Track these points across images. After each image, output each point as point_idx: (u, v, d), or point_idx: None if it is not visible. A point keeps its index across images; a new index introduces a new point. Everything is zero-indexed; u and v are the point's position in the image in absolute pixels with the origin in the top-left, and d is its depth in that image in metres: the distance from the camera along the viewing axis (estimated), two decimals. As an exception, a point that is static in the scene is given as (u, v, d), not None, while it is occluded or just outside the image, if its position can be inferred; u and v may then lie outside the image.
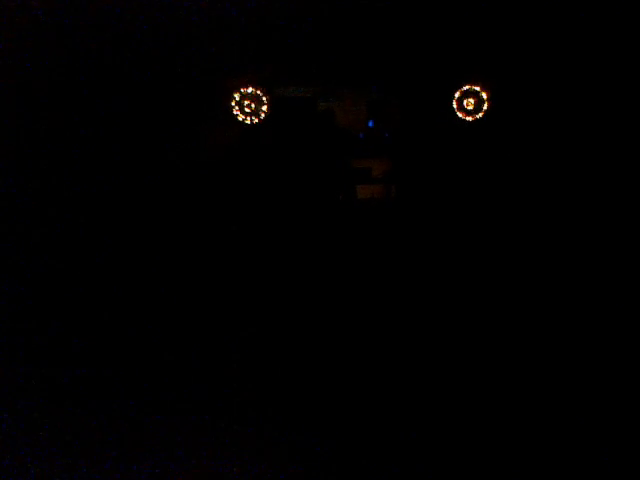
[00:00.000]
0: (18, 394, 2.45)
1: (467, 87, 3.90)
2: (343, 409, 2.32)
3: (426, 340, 2.87)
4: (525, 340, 2.78)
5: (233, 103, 3.70)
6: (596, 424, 2.16)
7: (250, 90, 3.70)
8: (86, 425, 2.25)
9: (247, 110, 3.73)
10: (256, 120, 3.78)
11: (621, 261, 3.16)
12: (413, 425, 2.21)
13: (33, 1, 2.76)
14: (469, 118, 3.94)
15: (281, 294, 3.35)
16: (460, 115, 3.94)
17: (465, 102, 3.92)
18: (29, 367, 2.63)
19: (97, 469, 1.99)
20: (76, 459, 2.03)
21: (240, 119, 3.76)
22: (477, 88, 3.89)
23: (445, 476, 1.95)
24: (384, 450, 2.06)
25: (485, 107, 3.89)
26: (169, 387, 2.51)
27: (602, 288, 3.07)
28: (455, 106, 3.94)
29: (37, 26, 2.85)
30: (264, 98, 3.73)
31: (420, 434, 2.16)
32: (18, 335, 2.83)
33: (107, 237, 3.30)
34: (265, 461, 2.00)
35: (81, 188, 3.27)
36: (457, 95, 3.92)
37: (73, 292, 3.10)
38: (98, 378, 2.59)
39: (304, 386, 2.51)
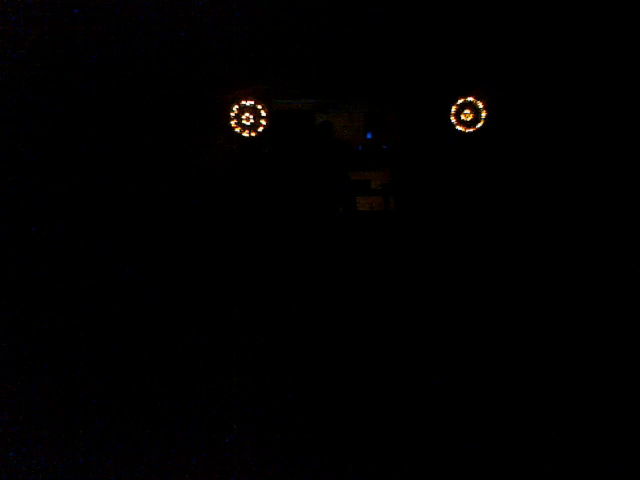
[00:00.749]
0: (18, 396, 2.43)
1: (465, 99, 3.92)
2: (344, 412, 2.31)
3: (426, 350, 2.87)
4: (523, 357, 2.77)
5: (232, 115, 3.70)
6: (596, 424, 2.16)
7: (248, 103, 3.71)
8: (85, 424, 2.24)
9: (245, 123, 3.73)
10: (254, 133, 3.78)
11: (620, 278, 3.15)
12: (413, 426, 2.21)
13: (31, 5, 2.76)
14: (467, 129, 3.96)
15: (282, 304, 3.33)
16: (458, 127, 3.96)
17: (463, 114, 3.94)
18: (29, 368, 2.61)
19: (97, 469, 1.98)
20: (76, 459, 2.02)
21: (238, 132, 3.76)
22: (475, 100, 3.91)
23: (446, 476, 1.94)
24: (384, 450, 2.06)
25: (483, 118, 3.91)
26: (169, 388, 2.50)
27: (602, 307, 3.06)
28: (453, 118, 3.96)
29: (33, 35, 2.86)
30: (262, 111, 3.74)
31: (420, 435, 2.15)
32: (16, 336, 2.81)
33: (106, 248, 3.28)
34: (265, 462, 1.99)
35: (78, 199, 3.26)
36: (455, 107, 3.94)
37: (74, 297, 3.08)
38: (98, 379, 2.58)
39: (306, 390, 2.51)
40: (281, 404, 2.36)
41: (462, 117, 3.94)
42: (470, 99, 3.89)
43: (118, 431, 2.18)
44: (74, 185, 3.22)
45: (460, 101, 3.91)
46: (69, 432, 2.18)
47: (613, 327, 2.83)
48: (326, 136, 4.11)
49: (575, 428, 2.15)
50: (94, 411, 2.31)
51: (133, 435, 2.16)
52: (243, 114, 3.71)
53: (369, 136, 4.34)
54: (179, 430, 2.17)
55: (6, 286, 2.90)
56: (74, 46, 3.04)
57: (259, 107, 3.72)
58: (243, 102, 3.69)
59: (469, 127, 3.94)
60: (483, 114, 3.88)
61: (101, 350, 2.78)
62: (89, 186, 3.26)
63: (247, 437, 2.12)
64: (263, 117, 3.75)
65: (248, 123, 3.73)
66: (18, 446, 2.08)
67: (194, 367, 2.66)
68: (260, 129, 3.77)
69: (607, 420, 2.17)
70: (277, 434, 2.14)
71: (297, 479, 1.94)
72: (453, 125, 3.94)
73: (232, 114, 3.70)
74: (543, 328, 2.98)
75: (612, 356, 2.62)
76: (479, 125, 3.92)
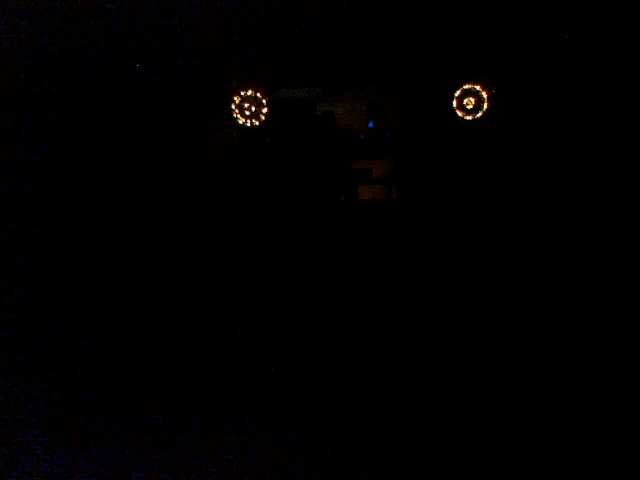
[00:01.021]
0: (19, 395, 2.46)
1: (467, 86, 3.89)
2: (345, 410, 2.32)
3: (428, 341, 2.87)
4: (526, 342, 2.77)
5: (233, 106, 3.71)
6: (596, 424, 2.15)
7: (250, 93, 3.71)
8: (85, 424, 2.25)
9: (247, 113, 3.74)
10: (256, 122, 3.79)
11: (621, 262, 3.14)
12: (413, 425, 2.21)
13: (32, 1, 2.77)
14: (469, 117, 3.93)
15: (284, 295, 3.35)
16: (460, 114, 3.93)
17: (465, 101, 3.91)
18: (28, 369, 2.64)
19: (97, 469, 2.00)
20: (76, 459, 2.04)
21: (240, 122, 3.78)
22: (477, 87, 3.88)
23: (446, 477, 1.94)
24: (385, 450, 2.06)
25: (485, 106, 3.88)
26: (169, 387, 2.52)
27: (602, 289, 3.05)
28: (455, 106, 3.93)
29: (34, 29, 2.87)
30: (264, 100, 3.74)
31: (420, 435, 2.15)
32: (17, 336, 2.85)
33: (106, 241, 3.32)
34: (265, 461, 2.00)
35: (79, 190, 3.29)
36: (457, 95, 3.91)
37: (74, 293, 3.12)
38: (97, 377, 2.60)
39: (306, 386, 2.51)
40: (281, 404, 2.37)
41: (464, 105, 3.91)
42: (471, 87, 3.86)
43: (118, 432, 2.19)
44: (76, 171, 3.25)
45: (462, 89, 3.89)
46: (68, 432, 2.19)
47: (613, 325, 2.82)
48: (328, 125, 4.10)
49: (575, 428, 2.15)
50: (94, 412, 2.31)
51: (133, 435, 2.17)
52: (244, 104, 3.72)
53: (371, 125, 4.32)
54: (179, 431, 2.17)
55: (6, 286, 2.94)
56: (75, 40, 3.05)
57: (260, 97, 3.73)
58: (244, 92, 3.70)
59: (471, 114, 3.92)
60: (485, 101, 3.86)
61: (101, 351, 2.80)
62: (87, 177, 3.29)
63: (247, 438, 2.12)
64: (264, 107, 3.75)
65: (249, 113, 3.74)
66: (17, 446, 2.10)
67: (194, 367, 2.67)
68: (262, 118, 3.78)
69: (607, 420, 2.17)
70: (277, 435, 2.15)
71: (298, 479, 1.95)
72: (455, 113, 3.92)
73: (233, 104, 3.71)
74: (543, 314, 2.98)
75: (612, 356, 2.61)
76: (481, 113, 3.89)
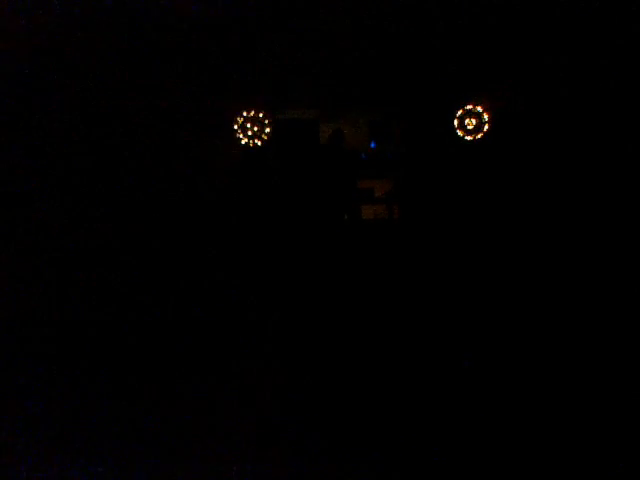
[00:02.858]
0: (18, 393, 2.48)
1: (468, 107, 3.94)
2: (346, 412, 2.32)
3: (427, 352, 2.86)
4: (525, 362, 2.74)
5: (236, 126, 3.79)
6: (596, 424, 2.12)
7: (253, 113, 3.79)
8: (85, 423, 2.26)
9: (250, 133, 3.81)
10: (259, 142, 3.85)
11: (620, 288, 3.10)
12: (414, 427, 2.20)
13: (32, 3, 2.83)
14: (470, 138, 3.97)
15: (288, 310, 3.36)
16: (461, 135, 3.97)
17: (466, 122, 3.95)
18: (28, 370, 2.66)
19: (97, 469, 2.00)
20: (75, 459, 2.04)
21: (243, 142, 3.84)
22: (478, 108, 3.92)
23: (445, 477, 1.93)
24: (385, 451, 2.05)
25: (486, 127, 3.92)
26: (169, 386, 2.53)
27: (603, 318, 3.01)
28: (456, 126, 3.97)
29: (35, 37, 2.94)
30: (267, 121, 3.81)
31: (420, 435, 2.14)
32: (19, 334, 2.87)
33: (113, 261, 3.37)
34: (265, 461, 1.99)
35: (85, 208, 3.36)
36: (458, 115, 3.96)
37: (79, 296, 3.16)
38: (98, 375, 2.61)
39: (309, 393, 2.52)
40: (282, 406, 2.37)
41: (465, 125, 3.95)
42: (472, 107, 3.91)
43: (118, 432, 2.20)
44: (82, 191, 3.33)
45: (463, 109, 3.94)
46: (68, 433, 2.21)
47: (614, 331, 2.78)
48: (338, 144, 4.11)
49: (575, 428, 2.12)
50: (92, 409, 2.33)
51: (133, 436, 2.18)
52: (247, 124, 3.79)
53: (373, 145, 4.38)
54: (179, 431, 2.18)
55: (8, 286, 2.99)
56: (85, 65, 3.17)
57: (263, 117, 3.80)
58: (247, 112, 3.78)
59: (472, 135, 3.96)
60: (486, 121, 3.90)
61: (102, 351, 2.82)
62: (92, 194, 3.36)
63: (248, 439, 2.12)
64: (267, 127, 3.82)
65: (252, 133, 3.80)
66: (16, 447, 2.12)
67: (195, 368, 2.68)
68: (264, 138, 3.84)
69: (607, 420, 2.14)
70: (278, 436, 2.15)
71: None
72: (456, 133, 3.96)
73: (236, 124, 3.79)
74: (541, 330, 2.95)
75: (612, 356, 2.58)
76: (482, 133, 3.93)
